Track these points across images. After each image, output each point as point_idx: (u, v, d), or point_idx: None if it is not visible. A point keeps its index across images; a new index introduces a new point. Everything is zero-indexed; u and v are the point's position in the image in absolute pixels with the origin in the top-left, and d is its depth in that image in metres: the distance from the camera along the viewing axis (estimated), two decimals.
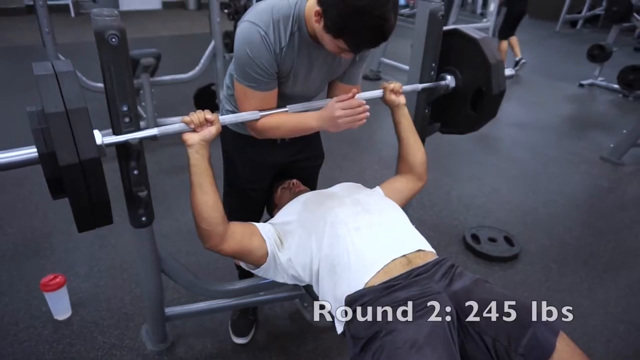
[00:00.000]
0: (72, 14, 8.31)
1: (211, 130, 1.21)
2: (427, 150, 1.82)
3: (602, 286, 2.21)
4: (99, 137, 0.99)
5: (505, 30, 5.64)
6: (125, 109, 1.10)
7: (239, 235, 1.29)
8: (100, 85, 1.10)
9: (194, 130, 1.19)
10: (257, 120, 1.31)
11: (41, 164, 0.93)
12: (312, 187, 1.78)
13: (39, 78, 0.93)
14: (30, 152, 0.96)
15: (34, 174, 2.93)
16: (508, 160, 3.60)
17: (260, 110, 1.31)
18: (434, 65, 1.64)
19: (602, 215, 2.86)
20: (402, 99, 1.55)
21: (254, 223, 1.37)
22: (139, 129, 1.16)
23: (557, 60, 5.96)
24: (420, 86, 1.62)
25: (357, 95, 1.34)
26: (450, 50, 1.63)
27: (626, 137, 3.58)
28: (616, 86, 5.38)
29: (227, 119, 1.29)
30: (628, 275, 2.30)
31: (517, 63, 5.91)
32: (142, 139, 1.14)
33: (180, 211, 2.64)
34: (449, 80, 1.63)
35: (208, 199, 1.22)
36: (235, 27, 3.84)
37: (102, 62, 1.05)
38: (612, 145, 3.68)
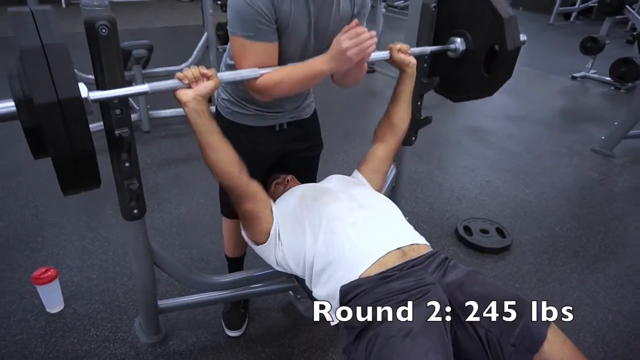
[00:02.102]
0: (63, 4, 8.22)
1: (208, 85, 1.14)
2: (419, 142, 1.83)
3: (592, 277, 2.24)
4: (84, 90, 0.91)
5: None
6: (116, 100, 1.10)
7: (254, 192, 1.31)
8: (92, 77, 1.08)
9: (188, 87, 1.13)
10: (257, 78, 1.23)
11: (17, 111, 0.84)
12: (312, 177, 1.79)
13: (12, 16, 0.84)
14: (6, 105, 0.86)
15: (25, 167, 2.91)
16: (500, 152, 3.62)
17: (261, 68, 1.24)
18: (426, 57, 1.64)
19: (593, 207, 2.89)
20: (412, 58, 1.49)
21: (266, 195, 1.39)
22: (130, 120, 1.15)
23: (550, 52, 5.98)
24: (429, 49, 1.56)
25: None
26: (457, 12, 1.56)
27: (617, 129, 3.60)
28: (608, 78, 5.40)
29: (226, 76, 1.21)
30: (617, 266, 2.33)
31: None
32: (131, 96, 1.10)
33: (173, 204, 2.63)
34: (459, 43, 1.56)
35: (220, 155, 1.21)
36: None
37: (93, 53, 1.04)
38: (603, 138, 3.70)
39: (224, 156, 1.22)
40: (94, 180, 0.95)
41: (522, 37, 1.52)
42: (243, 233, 1.45)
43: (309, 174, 1.74)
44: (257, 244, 1.38)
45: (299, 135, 1.63)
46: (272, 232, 1.34)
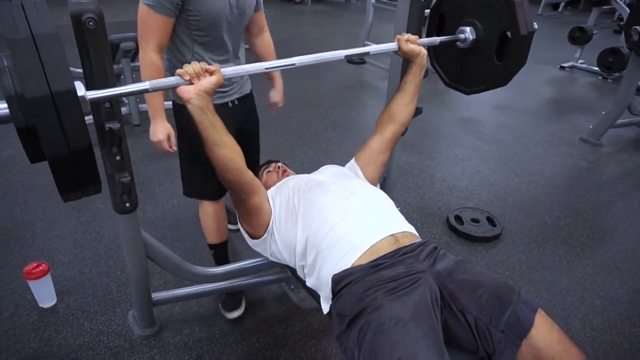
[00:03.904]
0: None
1: (211, 80, 1.10)
2: (410, 133, 1.84)
3: (580, 264, 2.28)
4: (81, 89, 0.85)
5: None
6: None
7: (257, 187, 1.31)
8: (80, 70, 1.06)
9: (190, 84, 1.10)
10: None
11: (9, 109, 0.77)
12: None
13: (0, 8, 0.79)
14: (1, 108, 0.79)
15: (13, 162, 2.88)
16: (490, 142, 3.65)
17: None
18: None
19: (581, 196, 2.93)
20: (423, 48, 1.45)
21: (262, 187, 1.39)
22: (120, 114, 1.14)
23: (539, 42, 5.99)
24: (438, 39, 1.51)
25: (369, 49, 1.36)
26: (465, 2, 1.51)
27: (604, 118, 3.65)
28: (596, 68, 5.45)
29: (229, 71, 1.17)
30: (604, 253, 2.38)
31: None
32: (131, 94, 1.06)
33: (164, 197, 2.63)
34: (468, 32, 1.49)
35: (227, 151, 1.19)
36: None
37: (80, 47, 1.03)
38: (591, 127, 3.75)
39: (231, 152, 1.20)
40: (93, 181, 0.88)
41: (534, 25, 1.43)
42: (241, 228, 1.45)
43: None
44: (255, 237, 1.39)
45: (248, 110, 1.79)
46: (270, 224, 1.34)
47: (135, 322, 1.74)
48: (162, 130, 1.57)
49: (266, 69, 1.22)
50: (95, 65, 1.04)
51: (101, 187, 0.91)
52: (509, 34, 1.41)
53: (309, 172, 1.58)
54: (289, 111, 3.91)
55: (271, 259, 1.41)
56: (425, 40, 1.49)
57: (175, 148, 1.61)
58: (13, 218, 2.38)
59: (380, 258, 1.16)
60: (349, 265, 1.16)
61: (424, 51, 1.45)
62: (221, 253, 1.94)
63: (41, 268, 1.80)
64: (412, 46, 1.41)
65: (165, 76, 1.47)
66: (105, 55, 1.05)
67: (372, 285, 1.10)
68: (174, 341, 1.73)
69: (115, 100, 1.11)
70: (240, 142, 1.63)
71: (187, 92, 1.10)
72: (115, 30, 2.83)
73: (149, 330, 1.73)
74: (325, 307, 1.23)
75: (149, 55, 1.46)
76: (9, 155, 2.97)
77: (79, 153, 0.80)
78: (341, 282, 1.15)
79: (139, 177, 2.76)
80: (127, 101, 3.44)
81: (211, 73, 1.12)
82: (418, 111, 1.77)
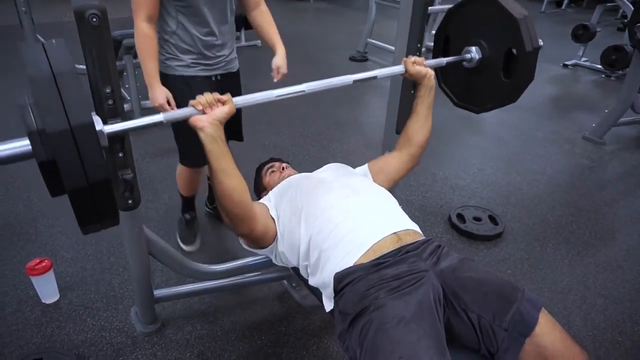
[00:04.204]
0: None
1: (223, 110, 1.14)
2: None
3: (582, 262, 2.28)
4: (99, 123, 0.89)
5: None
6: (108, 91, 1.09)
7: (260, 214, 1.29)
8: (83, 67, 1.07)
9: (203, 113, 1.12)
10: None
11: (30, 144, 0.80)
12: (238, 131, 2.09)
13: (24, 48, 0.83)
14: (22, 144, 0.83)
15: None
16: (493, 141, 3.64)
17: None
18: (419, 45, 1.64)
19: (583, 194, 2.93)
20: (430, 69, 1.47)
21: (262, 202, 1.37)
22: (122, 111, 1.14)
23: (542, 40, 5.98)
24: (444, 60, 1.54)
25: (376, 73, 1.37)
26: (469, 22, 1.53)
27: (607, 116, 3.63)
28: (599, 66, 5.42)
29: (241, 99, 1.20)
30: (606, 252, 2.37)
31: None
32: (146, 127, 1.06)
33: (166, 194, 2.63)
34: (474, 51, 1.52)
35: (236, 182, 1.18)
36: None
37: (83, 43, 1.03)
38: (594, 125, 3.74)
39: (239, 183, 1.19)
40: (111, 214, 0.89)
41: (539, 42, 1.45)
42: (244, 245, 1.44)
43: (236, 128, 2.05)
44: (261, 249, 1.39)
45: (231, 87, 1.87)
46: (276, 235, 1.35)
47: (138, 318, 1.75)
48: (160, 94, 1.69)
49: (277, 96, 1.24)
50: (97, 61, 1.05)
51: (119, 220, 0.93)
52: (514, 51, 1.41)
53: (311, 171, 1.58)
54: (291, 109, 3.91)
55: (277, 262, 1.41)
56: (431, 61, 1.51)
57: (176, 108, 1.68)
58: (16, 214, 2.39)
59: (383, 256, 1.16)
60: (351, 264, 1.16)
61: (431, 72, 1.47)
62: (191, 203, 2.26)
63: (44, 264, 1.81)
64: (418, 68, 1.44)
65: (167, 45, 1.74)
66: (108, 51, 1.06)
67: (375, 284, 1.10)
68: (175, 338, 1.74)
69: (117, 95, 1.12)
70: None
71: (201, 121, 1.12)
72: (118, 27, 2.83)
73: (151, 327, 1.74)
74: (328, 305, 1.23)
75: (141, 26, 1.62)
76: None
77: (97, 185, 0.81)
78: (343, 281, 1.15)
79: (142, 174, 2.76)
80: (129, 98, 3.44)
81: (223, 103, 1.15)
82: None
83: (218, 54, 1.84)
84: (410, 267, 1.13)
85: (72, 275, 2.01)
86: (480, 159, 3.32)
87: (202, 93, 1.72)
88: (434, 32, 5.60)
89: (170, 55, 1.77)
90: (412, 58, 1.45)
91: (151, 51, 1.67)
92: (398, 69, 1.45)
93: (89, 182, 0.80)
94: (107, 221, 0.90)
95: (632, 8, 4.99)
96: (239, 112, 2.01)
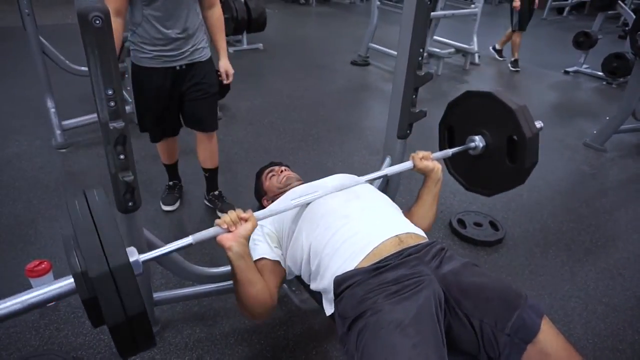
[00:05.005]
0: None
1: (247, 227, 1.18)
2: (413, 135, 1.84)
3: (583, 269, 2.27)
4: (134, 255, 0.96)
5: (521, 21, 5.55)
6: (110, 92, 1.09)
7: (274, 284, 1.31)
8: (85, 68, 1.07)
9: (228, 231, 1.16)
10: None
11: (75, 283, 0.88)
12: (212, 119, 2.25)
13: (69, 201, 0.94)
14: (67, 284, 0.91)
15: (17, 160, 2.89)
16: None
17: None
18: (421, 50, 1.64)
19: (584, 201, 2.92)
20: (437, 163, 1.53)
21: (263, 256, 1.35)
22: (124, 112, 1.14)
23: (544, 47, 6.01)
24: (450, 151, 1.62)
25: (387, 171, 1.46)
26: (470, 113, 1.61)
27: (608, 123, 3.63)
28: (600, 73, 5.44)
29: (261, 214, 1.25)
30: (607, 259, 2.36)
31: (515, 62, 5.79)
32: (177, 250, 1.12)
33: None
34: (478, 140, 1.59)
35: (258, 287, 1.22)
36: None
37: (85, 45, 1.03)
38: (595, 132, 3.74)
39: (261, 287, 1.23)
40: (148, 342, 0.96)
41: (538, 124, 1.54)
42: None
43: (207, 115, 2.21)
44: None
45: (197, 75, 2.08)
46: (283, 263, 1.37)
47: None
48: None
49: (295, 205, 1.30)
50: (100, 63, 1.05)
51: (155, 342, 0.98)
52: (515, 137, 1.48)
53: (311, 174, 1.58)
54: (292, 112, 3.92)
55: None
56: (438, 154, 1.60)
57: None
58: (16, 216, 2.39)
59: (384, 260, 1.15)
60: (352, 267, 1.15)
61: (438, 166, 1.54)
62: (172, 169, 2.57)
63: (43, 266, 1.80)
64: (426, 163, 1.51)
65: (133, 36, 1.94)
66: (110, 53, 1.06)
67: (374, 288, 1.09)
68: (174, 341, 1.73)
69: (120, 97, 1.12)
70: (183, 98, 2.14)
71: (227, 240, 1.16)
72: None
73: None
74: (329, 309, 1.22)
75: None
76: (13, 153, 2.98)
77: (135, 318, 0.88)
78: (343, 284, 1.14)
79: (142, 176, 2.76)
80: (131, 100, 3.45)
81: (246, 220, 1.18)
82: (421, 114, 1.77)
83: (182, 47, 1.99)
84: (411, 271, 1.13)
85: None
86: None
87: (162, 83, 2.03)
88: (435, 37, 5.64)
89: (136, 48, 1.97)
90: (420, 154, 1.52)
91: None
92: (407, 165, 1.52)
93: (127, 315, 0.87)
94: (144, 346, 0.96)
95: (634, 16, 5.01)
96: (213, 103, 2.25)
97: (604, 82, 5.48)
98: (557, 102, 5.01)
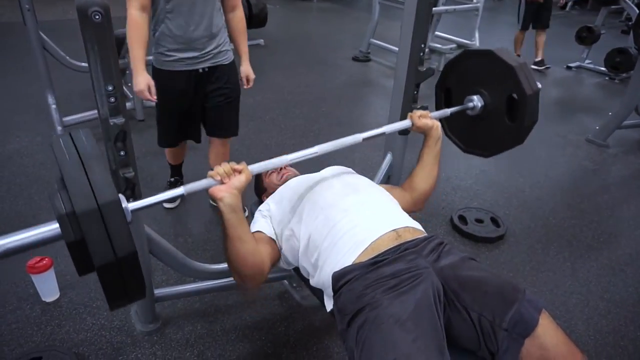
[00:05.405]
0: None
1: (240, 179, 1.14)
2: (414, 132, 1.83)
3: (584, 266, 2.27)
4: (124, 201, 0.92)
5: (525, 19, 5.40)
6: (110, 89, 1.09)
7: (266, 254, 1.29)
8: (86, 64, 1.06)
9: (221, 184, 1.13)
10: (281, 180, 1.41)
11: (60, 227, 0.83)
12: (233, 121, 2.20)
13: (54, 140, 0.88)
14: (52, 229, 0.86)
15: (18, 156, 2.89)
16: None
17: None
18: (423, 46, 1.63)
19: (586, 197, 2.91)
20: (436, 121, 1.51)
21: (260, 230, 1.35)
22: (124, 109, 1.14)
23: (546, 42, 5.99)
24: (449, 111, 1.59)
25: (384, 129, 1.43)
26: (467, 73, 1.58)
27: (611, 119, 3.62)
28: (603, 69, 5.41)
29: (256, 167, 1.21)
30: (609, 255, 2.36)
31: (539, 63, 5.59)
32: (167, 200, 1.08)
33: None
34: (476, 100, 1.56)
35: (249, 247, 1.19)
36: None
37: (85, 40, 1.03)
38: (597, 128, 3.72)
39: (253, 246, 1.20)
40: (139, 289, 0.91)
41: (537, 85, 1.50)
42: None
43: (229, 120, 2.18)
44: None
45: (220, 78, 2.04)
46: (282, 251, 1.35)
47: (138, 317, 1.75)
48: (142, 81, 1.80)
49: (290, 160, 1.27)
50: (100, 58, 1.04)
51: (145, 293, 0.93)
52: (515, 96, 1.46)
53: (312, 171, 1.57)
54: (293, 108, 3.91)
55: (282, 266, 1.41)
56: (436, 113, 1.57)
57: (155, 98, 1.85)
58: (17, 212, 2.39)
59: (381, 254, 1.15)
60: (349, 263, 1.15)
61: (437, 123, 1.51)
62: (175, 168, 2.53)
63: (44, 262, 1.80)
64: (424, 120, 1.49)
65: (151, 37, 1.86)
66: (110, 49, 1.05)
67: (372, 283, 1.09)
68: (175, 337, 1.73)
69: (120, 93, 1.11)
70: (205, 103, 2.09)
71: (220, 190, 1.12)
72: (122, 25, 2.83)
73: (151, 326, 1.74)
74: (329, 305, 1.22)
75: (132, 13, 1.76)
76: (14, 149, 2.98)
77: (125, 259, 0.83)
78: (341, 280, 1.14)
79: (143, 172, 2.76)
80: (131, 96, 3.44)
81: (240, 172, 1.15)
82: (422, 109, 1.77)
83: (205, 47, 1.94)
84: (408, 265, 1.12)
85: (73, 273, 1.99)
86: (482, 161, 3.28)
87: (185, 87, 1.98)
88: (437, 33, 5.62)
89: (157, 50, 1.93)
90: (418, 112, 1.50)
91: (139, 38, 1.78)
92: (405, 123, 1.50)
93: (117, 256, 0.82)
94: (135, 295, 0.91)
95: (637, 10, 4.99)
96: (235, 108, 2.19)
97: (607, 78, 5.46)
98: (560, 97, 4.99)
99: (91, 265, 0.81)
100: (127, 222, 0.85)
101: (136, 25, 1.76)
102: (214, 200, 1.14)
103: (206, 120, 2.17)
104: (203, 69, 1.98)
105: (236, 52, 2.13)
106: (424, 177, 1.53)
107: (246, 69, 2.11)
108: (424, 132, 1.52)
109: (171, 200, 2.37)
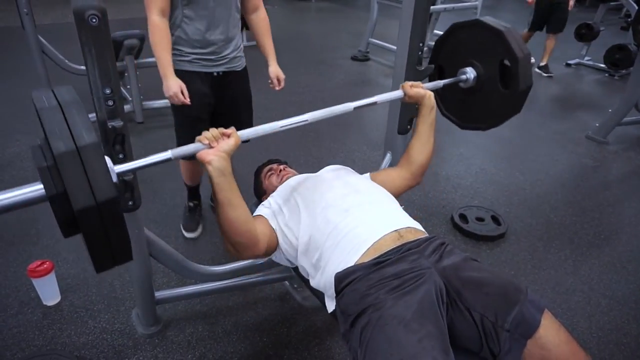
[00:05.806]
0: None
1: (229, 142, 1.14)
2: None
3: (586, 263, 2.26)
4: (109, 163, 0.89)
5: (534, 21, 5.31)
6: (108, 92, 1.08)
7: (262, 233, 1.28)
8: (83, 68, 1.06)
9: (210, 147, 1.12)
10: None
11: (41, 180, 0.81)
12: (248, 121, 2.19)
13: (35, 96, 0.85)
14: (36, 189, 0.84)
15: (18, 160, 2.89)
16: (495, 140, 3.62)
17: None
18: (421, 45, 1.63)
19: (587, 194, 2.91)
20: (428, 90, 1.50)
21: (261, 214, 1.35)
22: (123, 111, 1.14)
23: (545, 39, 5.97)
24: (442, 82, 1.57)
25: (376, 99, 1.41)
26: (457, 48, 1.57)
27: (611, 116, 3.61)
28: (602, 65, 5.41)
29: (245, 133, 1.19)
30: (610, 252, 2.35)
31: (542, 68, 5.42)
32: (154, 164, 1.06)
33: (168, 195, 2.63)
34: (469, 72, 1.56)
35: (240, 213, 1.17)
36: None
37: (82, 43, 1.02)
38: (597, 125, 3.72)
39: (244, 212, 1.19)
40: (123, 246, 0.89)
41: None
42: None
43: (243, 120, 2.13)
44: (269, 255, 1.38)
45: (233, 84, 2.03)
46: (278, 243, 1.33)
47: (139, 320, 1.75)
48: (173, 85, 1.78)
49: (281, 127, 1.27)
50: (97, 61, 1.04)
51: (131, 254, 0.92)
52: (507, 62, 1.46)
53: (312, 171, 1.57)
54: (292, 108, 3.90)
55: (275, 260, 1.40)
56: (429, 84, 1.55)
57: (189, 100, 1.82)
58: (18, 215, 2.38)
59: (383, 255, 1.15)
60: (352, 263, 1.15)
61: (429, 92, 1.50)
62: (195, 192, 2.40)
63: (45, 266, 1.80)
64: (416, 89, 1.47)
65: (172, 38, 1.82)
66: (107, 52, 1.05)
67: (375, 283, 1.08)
68: (177, 340, 1.73)
69: (117, 95, 1.11)
70: (219, 108, 2.05)
71: (208, 154, 1.12)
72: (119, 28, 2.83)
73: (152, 329, 1.73)
74: (331, 306, 1.22)
75: (153, 19, 1.73)
76: (14, 152, 2.98)
77: (105, 205, 0.80)
78: (344, 281, 1.14)
79: (142, 175, 2.75)
80: (130, 98, 3.44)
81: (228, 136, 1.15)
82: (428, 70, 1.75)
83: (221, 51, 1.92)
84: (411, 265, 1.12)
85: (74, 277, 2.01)
86: (482, 159, 3.30)
87: (201, 88, 1.90)
88: (435, 31, 5.63)
89: (175, 51, 1.86)
90: (410, 82, 1.48)
91: (164, 43, 1.76)
92: (397, 93, 1.49)
93: (97, 201, 0.79)
94: (120, 255, 0.89)
95: (636, 7, 4.98)
96: (249, 115, 2.20)
97: (607, 74, 5.45)
98: (559, 94, 4.98)
99: (75, 225, 0.80)
100: (108, 169, 0.82)
101: (159, 31, 1.74)
102: (203, 163, 1.12)
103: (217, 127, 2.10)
104: (217, 72, 1.96)
105: (262, 52, 2.07)
106: (420, 147, 1.52)
107: (275, 69, 2.04)
108: (417, 102, 1.50)
109: (192, 228, 2.31)
